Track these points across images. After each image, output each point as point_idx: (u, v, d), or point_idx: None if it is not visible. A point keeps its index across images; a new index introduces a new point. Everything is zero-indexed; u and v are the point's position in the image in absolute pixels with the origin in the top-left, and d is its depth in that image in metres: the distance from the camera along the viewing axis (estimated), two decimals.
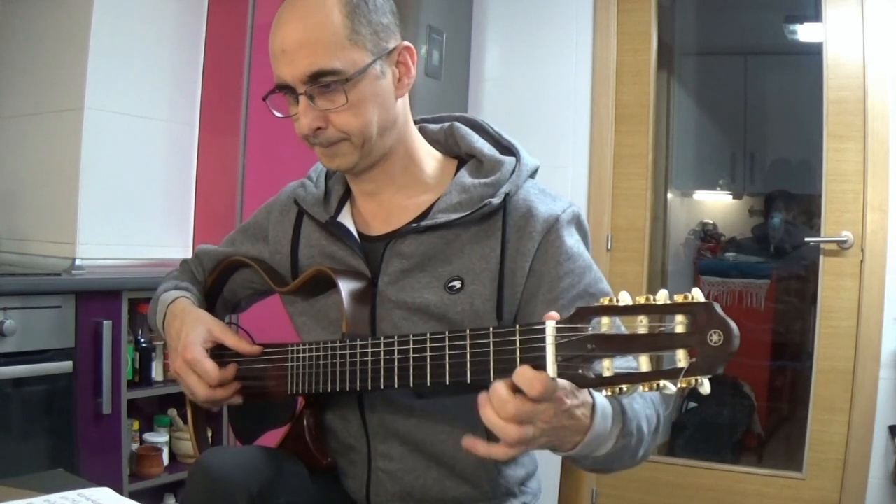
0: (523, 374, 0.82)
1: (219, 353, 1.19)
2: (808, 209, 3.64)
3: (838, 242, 2.54)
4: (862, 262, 2.50)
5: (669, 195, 3.61)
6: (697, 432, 3.31)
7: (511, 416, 0.84)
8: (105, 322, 2.20)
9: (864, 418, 2.46)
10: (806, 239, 2.65)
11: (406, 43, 1.12)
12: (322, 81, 1.04)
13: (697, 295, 0.75)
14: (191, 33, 2.86)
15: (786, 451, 3.36)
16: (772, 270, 3.81)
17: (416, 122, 1.21)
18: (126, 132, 2.65)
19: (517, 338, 0.86)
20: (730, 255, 3.96)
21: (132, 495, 2.24)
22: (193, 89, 2.88)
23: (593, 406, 0.90)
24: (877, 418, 2.44)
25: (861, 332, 2.48)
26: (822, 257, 2.58)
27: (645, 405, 0.99)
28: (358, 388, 1.05)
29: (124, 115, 2.64)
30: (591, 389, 0.87)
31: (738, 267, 3.84)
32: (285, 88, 1.08)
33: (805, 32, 3.46)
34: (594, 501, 2.87)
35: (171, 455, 2.53)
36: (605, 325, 0.79)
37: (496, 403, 0.84)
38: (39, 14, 2.65)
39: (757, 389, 3.61)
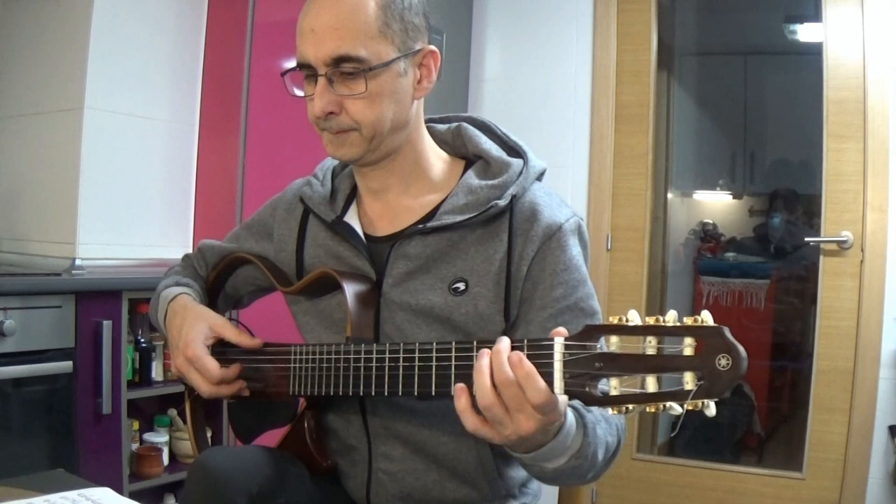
0: (534, 380, 0.83)
1: (221, 349, 1.19)
2: (808, 209, 3.64)
3: (838, 242, 2.54)
4: (862, 262, 2.50)
5: (669, 195, 3.61)
6: (697, 432, 3.31)
7: (501, 382, 0.85)
8: (105, 322, 2.20)
9: (864, 418, 2.46)
10: (806, 239, 2.65)
11: (432, 47, 1.12)
12: (344, 67, 1.04)
13: (707, 318, 0.76)
14: (191, 33, 2.85)
15: (786, 451, 3.36)
16: (772, 270, 3.81)
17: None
18: (126, 132, 2.65)
19: (525, 353, 0.85)
20: (730, 255, 3.96)
21: (132, 495, 2.24)
22: (193, 89, 2.88)
23: (562, 424, 0.90)
24: (877, 418, 2.45)
25: (861, 332, 2.48)
26: (822, 257, 2.58)
27: (608, 430, 1.00)
28: (361, 393, 1.05)
29: (124, 115, 2.64)
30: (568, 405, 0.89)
31: (738, 267, 3.85)
32: (306, 68, 1.07)
33: (805, 32, 3.45)
34: (594, 501, 2.87)
35: (171, 455, 2.53)
36: (613, 343, 0.80)
37: (496, 365, 0.85)
38: (39, 14, 2.65)
39: (757, 389, 3.61)
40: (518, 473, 1.20)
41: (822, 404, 2.56)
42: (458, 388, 0.88)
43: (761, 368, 3.67)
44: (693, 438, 3.29)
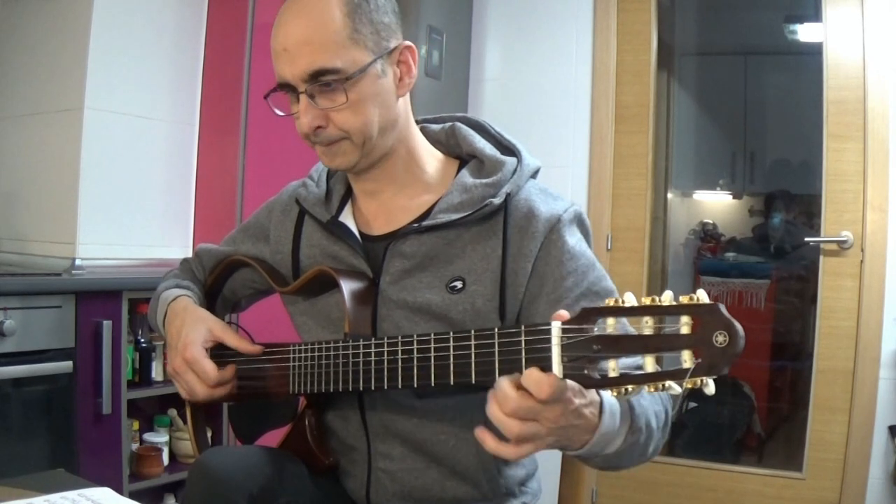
0: (531, 375, 0.82)
1: (219, 352, 1.19)
2: (808, 209, 3.64)
3: (838, 242, 2.54)
4: (862, 262, 2.50)
5: (669, 195, 3.62)
6: (697, 432, 3.31)
7: (512, 411, 0.84)
8: (105, 322, 2.20)
9: (864, 418, 2.46)
10: (806, 239, 2.65)
11: (407, 42, 1.12)
12: (322, 80, 1.04)
13: (703, 296, 0.75)
14: (191, 33, 2.86)
15: (786, 451, 3.36)
16: (772, 270, 3.81)
17: (417, 122, 1.21)
18: (126, 132, 2.65)
19: (522, 338, 0.86)
20: (730, 255, 3.96)
21: (132, 495, 2.24)
22: (193, 89, 2.88)
23: (601, 404, 0.90)
24: (877, 418, 2.44)
25: (861, 332, 2.48)
26: (822, 257, 2.58)
27: (653, 401, 0.99)
28: (361, 389, 1.05)
29: (124, 115, 2.64)
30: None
31: (738, 267, 3.85)
32: (286, 87, 1.08)
33: (805, 32, 3.46)
34: (594, 501, 2.87)
35: (171, 455, 2.53)
36: (610, 325, 0.80)
37: (499, 398, 0.85)
38: (39, 14, 2.65)
39: (757, 389, 3.61)
40: (518, 472, 1.20)
41: (822, 404, 2.56)
42: (479, 433, 0.88)
43: (761, 368, 3.67)
44: (693, 438, 3.29)
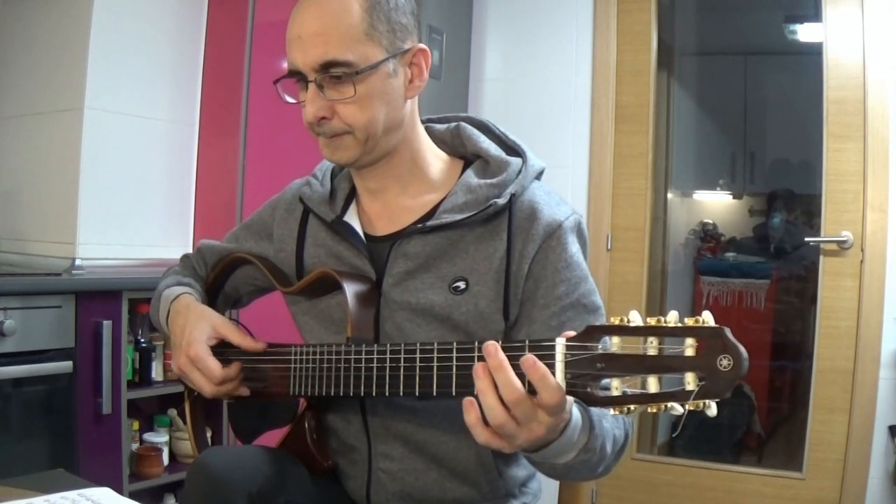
0: (548, 380, 0.82)
1: (220, 350, 1.19)
2: (808, 209, 3.64)
3: (838, 242, 2.54)
4: (862, 262, 2.50)
5: (669, 195, 3.61)
6: (697, 432, 3.31)
7: (511, 403, 0.84)
8: (105, 322, 2.20)
9: (864, 418, 2.46)
10: (806, 239, 2.65)
11: (422, 45, 1.12)
12: (332, 72, 1.04)
13: (708, 319, 0.76)
14: (191, 33, 2.86)
15: (786, 451, 3.36)
16: (772, 270, 3.81)
17: (421, 122, 1.21)
18: (126, 132, 2.65)
19: (527, 354, 0.85)
20: (730, 255, 3.96)
21: (132, 495, 2.24)
22: (193, 89, 2.88)
23: (569, 420, 0.90)
24: (877, 418, 2.44)
25: (861, 332, 2.48)
26: (822, 257, 2.58)
27: (615, 424, 1.00)
28: (362, 394, 1.05)
29: (124, 115, 2.64)
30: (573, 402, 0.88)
31: (738, 267, 3.85)
32: (297, 74, 1.08)
33: (805, 32, 3.46)
34: (594, 501, 2.87)
35: (171, 455, 2.53)
36: (614, 344, 0.80)
37: (502, 382, 0.84)
38: (39, 14, 2.65)
39: (757, 389, 3.61)
40: (518, 473, 1.20)
41: (822, 404, 2.56)
42: (467, 403, 0.86)
43: (761, 368, 3.67)
44: (693, 438, 3.29)
